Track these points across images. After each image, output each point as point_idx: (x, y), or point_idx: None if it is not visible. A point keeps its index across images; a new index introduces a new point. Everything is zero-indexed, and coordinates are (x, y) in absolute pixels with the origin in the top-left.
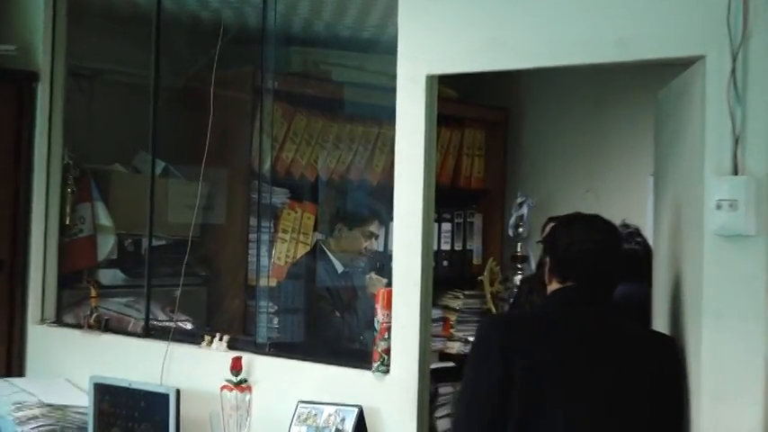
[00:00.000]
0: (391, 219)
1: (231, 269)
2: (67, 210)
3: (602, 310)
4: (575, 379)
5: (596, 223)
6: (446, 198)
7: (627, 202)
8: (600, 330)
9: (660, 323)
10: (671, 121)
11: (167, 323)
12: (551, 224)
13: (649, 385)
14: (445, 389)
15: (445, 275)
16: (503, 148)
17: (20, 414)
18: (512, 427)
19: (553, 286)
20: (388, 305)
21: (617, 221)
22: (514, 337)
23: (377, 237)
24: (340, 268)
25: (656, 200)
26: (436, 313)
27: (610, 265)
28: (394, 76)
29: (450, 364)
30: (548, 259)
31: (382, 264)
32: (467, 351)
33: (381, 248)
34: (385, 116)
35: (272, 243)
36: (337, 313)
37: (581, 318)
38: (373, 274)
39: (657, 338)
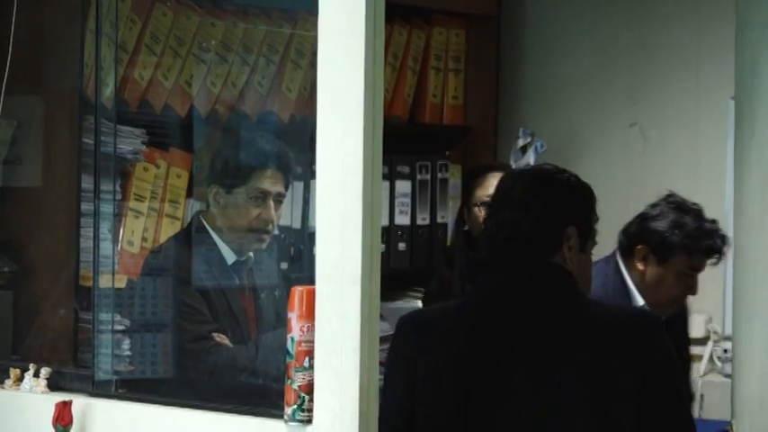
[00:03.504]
0: (311, 173)
1: (52, 261)
2: None
3: (523, 292)
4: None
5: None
6: (403, 141)
7: (694, 141)
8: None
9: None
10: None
11: None
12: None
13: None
14: None
15: (402, 267)
16: (494, 60)
17: None
18: None
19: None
20: (310, 314)
21: (676, 176)
22: (422, 336)
23: (280, 199)
24: (231, 257)
25: (739, 134)
26: (387, 328)
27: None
28: None
29: None
30: None
31: (300, 248)
32: None
33: (298, 223)
34: (301, 7)
35: (118, 218)
36: (217, 337)
37: (494, 307)
38: None
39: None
